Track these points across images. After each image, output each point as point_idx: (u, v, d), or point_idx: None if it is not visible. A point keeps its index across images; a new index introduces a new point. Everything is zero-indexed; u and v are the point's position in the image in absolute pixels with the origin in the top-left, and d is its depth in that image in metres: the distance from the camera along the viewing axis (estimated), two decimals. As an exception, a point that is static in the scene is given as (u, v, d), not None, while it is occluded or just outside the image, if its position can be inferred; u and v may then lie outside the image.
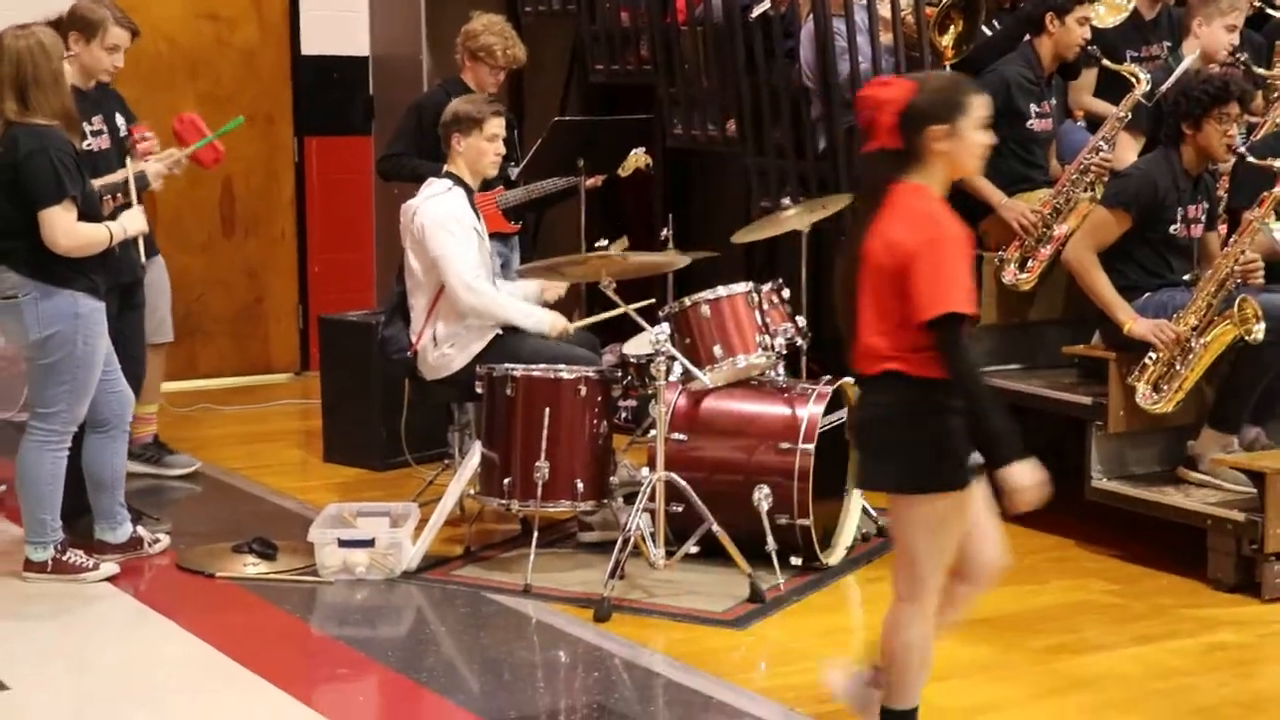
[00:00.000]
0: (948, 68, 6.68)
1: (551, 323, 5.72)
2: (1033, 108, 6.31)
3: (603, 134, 6.83)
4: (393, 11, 9.06)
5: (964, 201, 6.30)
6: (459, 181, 5.73)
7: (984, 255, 6.31)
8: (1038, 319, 6.40)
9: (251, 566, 5.50)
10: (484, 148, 5.72)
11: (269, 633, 5.06)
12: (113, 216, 5.43)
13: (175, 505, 6.45)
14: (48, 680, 4.63)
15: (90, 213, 5.26)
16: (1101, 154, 6.15)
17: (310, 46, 9.07)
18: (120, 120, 6.20)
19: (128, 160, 5.83)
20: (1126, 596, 5.34)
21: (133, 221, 5.41)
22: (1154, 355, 5.65)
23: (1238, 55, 6.38)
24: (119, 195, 5.51)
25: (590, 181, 6.68)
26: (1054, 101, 6.42)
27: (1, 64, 5.16)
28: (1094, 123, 6.60)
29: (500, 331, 5.69)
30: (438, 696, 4.46)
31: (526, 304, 5.75)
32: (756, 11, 7.08)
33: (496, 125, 5.74)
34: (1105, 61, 6.31)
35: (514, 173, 6.76)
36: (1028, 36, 6.41)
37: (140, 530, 5.68)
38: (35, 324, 5.21)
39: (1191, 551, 5.52)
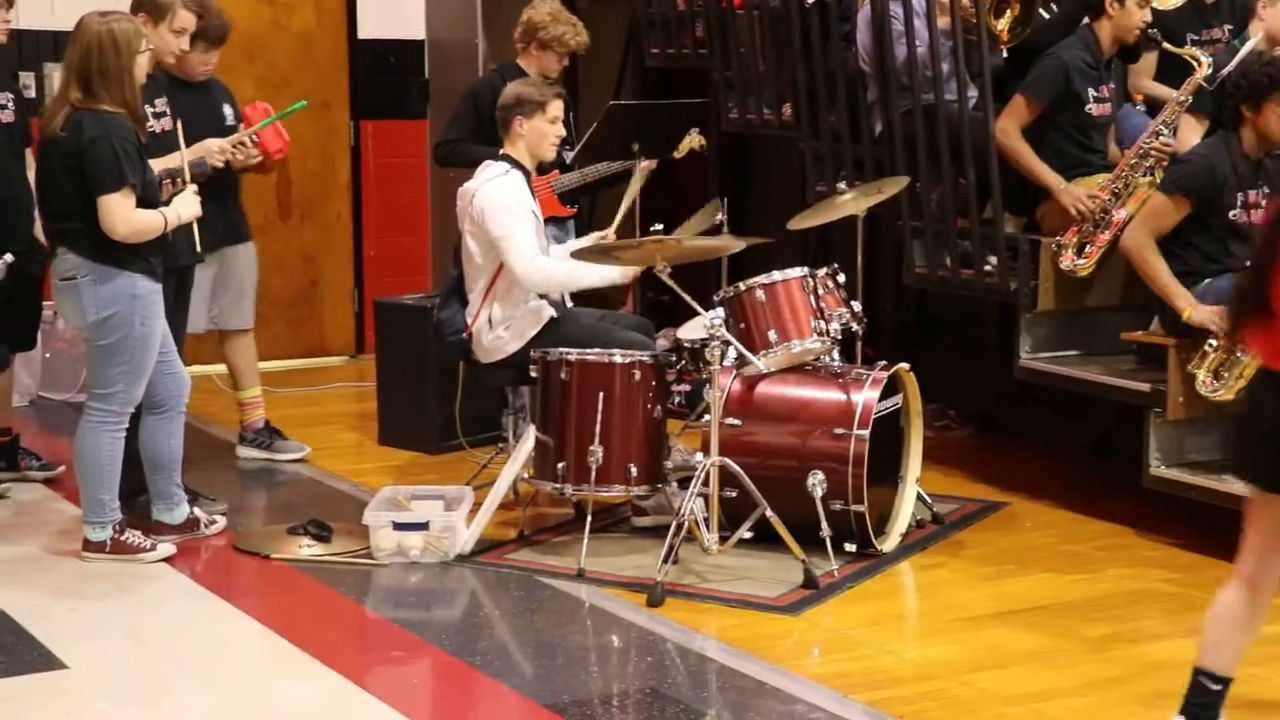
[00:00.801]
0: (1004, 52, 6.64)
1: (622, 271, 5.68)
2: (1091, 92, 6.24)
3: (658, 118, 6.81)
4: (448, -5, 9.08)
5: (1023, 183, 6.30)
6: (516, 164, 5.73)
7: (1041, 240, 6.27)
8: (1095, 305, 6.34)
9: (307, 548, 5.53)
10: (545, 130, 5.72)
11: (323, 614, 5.09)
12: (169, 202, 5.47)
13: (231, 487, 6.49)
14: (105, 659, 4.67)
15: (149, 199, 5.29)
16: (1161, 138, 6.08)
17: (366, 31, 9.10)
18: (228, 110, 6.27)
19: (184, 146, 5.88)
20: (1185, 585, 5.29)
21: (187, 207, 5.44)
22: (1214, 342, 5.59)
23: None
24: (178, 180, 5.54)
25: (644, 165, 6.66)
26: (1113, 85, 6.35)
27: (73, 50, 5.21)
28: (1154, 107, 6.53)
29: (555, 315, 5.70)
30: (491, 680, 4.48)
31: (586, 264, 5.68)
32: (814, -3, 7.05)
33: (557, 108, 5.75)
34: (1165, 45, 6.23)
35: (569, 156, 6.76)
36: (1086, 19, 6.35)
37: (197, 511, 5.72)
38: (93, 305, 5.25)
39: (1251, 540, 5.46)
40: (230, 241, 6.62)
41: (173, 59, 5.99)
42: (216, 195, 6.25)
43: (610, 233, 6.12)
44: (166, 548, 5.46)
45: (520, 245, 5.56)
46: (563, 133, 5.85)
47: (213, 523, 5.74)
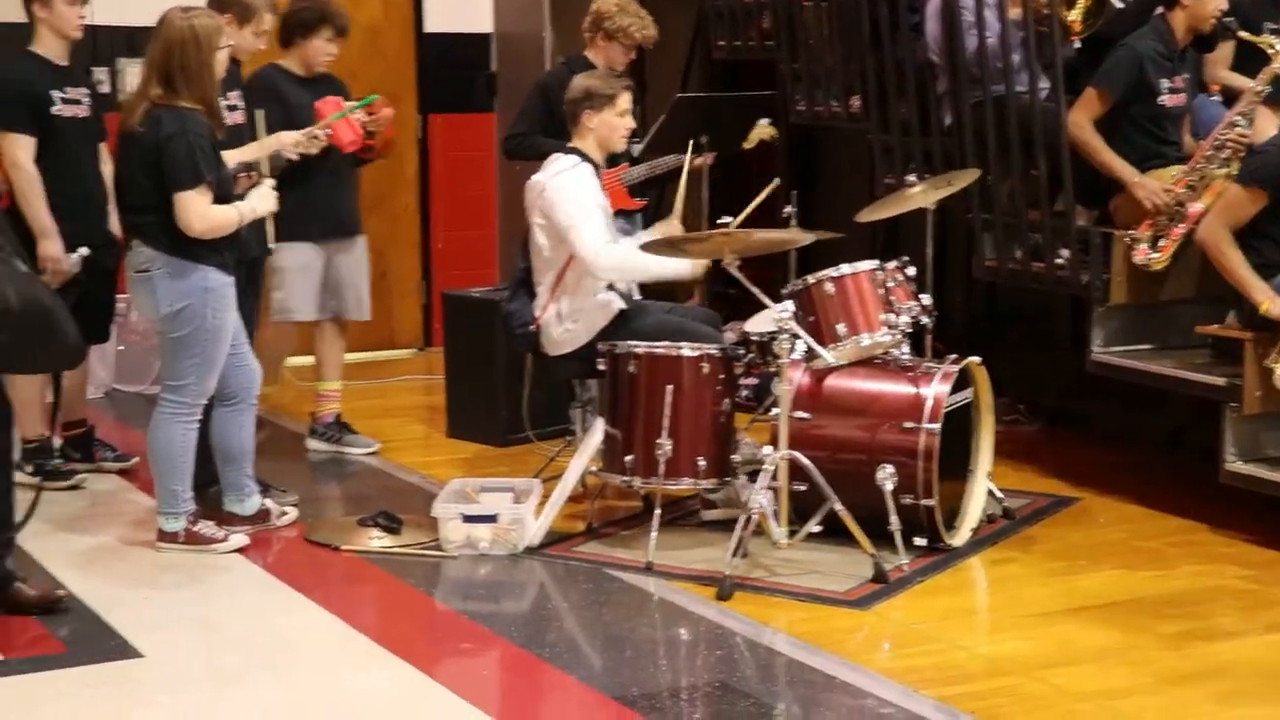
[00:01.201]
0: (1076, 43, 6.57)
1: (693, 263, 5.68)
2: (1165, 83, 6.17)
3: (725, 110, 6.79)
4: (515, -12, 9.10)
5: (1095, 176, 6.24)
6: (584, 158, 5.73)
7: (1114, 234, 6.21)
8: (1170, 298, 6.27)
9: (376, 540, 5.56)
10: (615, 123, 5.73)
11: (393, 606, 5.12)
12: (244, 196, 5.51)
13: (302, 478, 6.53)
14: (179, 648, 4.72)
15: (224, 195, 5.34)
16: (1238, 129, 6.01)
17: (433, 24, 9.13)
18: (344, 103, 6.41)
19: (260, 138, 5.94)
20: (1261, 582, 5.23)
21: (262, 201, 5.49)
22: (1291, 336, 5.53)
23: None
24: (254, 173, 5.59)
25: (698, 161, 6.65)
26: (1187, 76, 6.28)
27: (155, 45, 5.26)
28: (1230, 97, 6.45)
29: (624, 308, 5.70)
30: (560, 672, 4.48)
31: (656, 256, 5.69)
32: (882, -11, 7.01)
33: (627, 101, 5.76)
34: (1242, 33, 6.15)
35: (637, 149, 6.75)
36: (1160, 9, 6.27)
37: (268, 503, 5.76)
38: (167, 298, 5.30)
39: (1328, 537, 5.41)
40: (339, 234, 6.69)
41: (247, 57, 6.08)
42: (324, 189, 6.40)
43: (674, 221, 6.11)
44: (239, 538, 5.51)
45: (589, 233, 5.57)
46: (632, 125, 5.85)
47: (284, 514, 5.78)
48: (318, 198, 6.53)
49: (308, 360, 7.25)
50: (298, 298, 6.66)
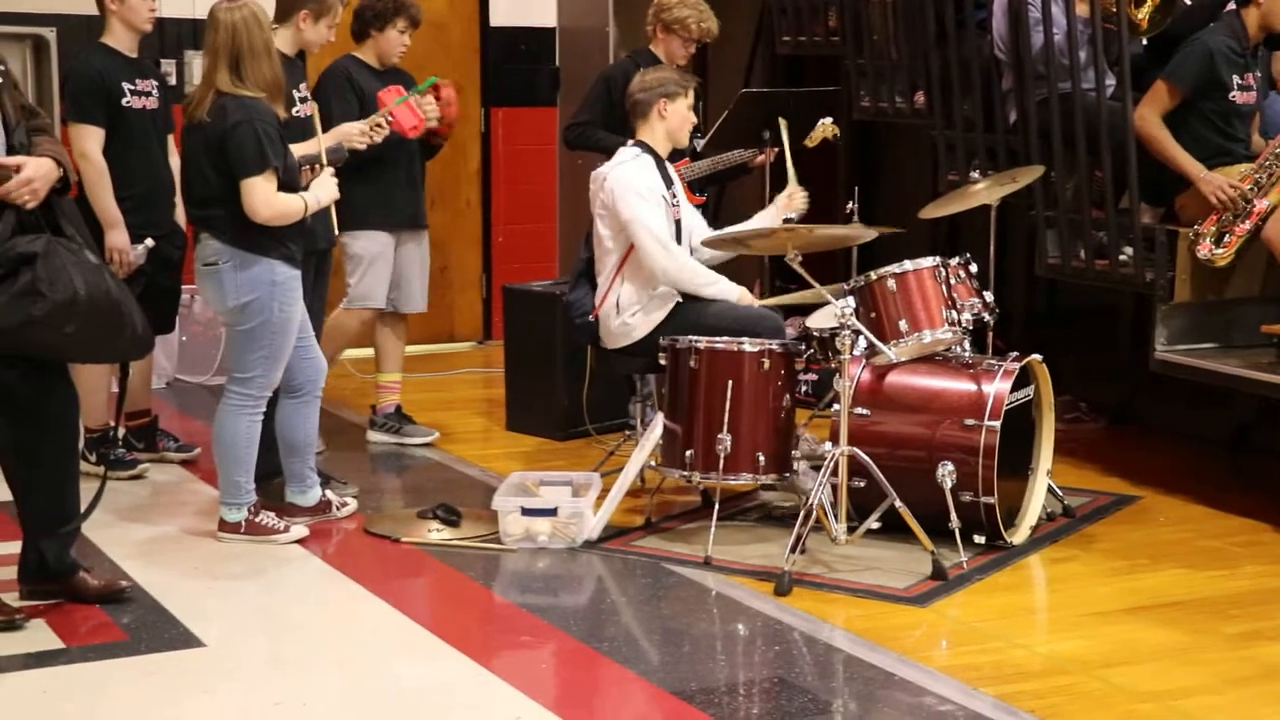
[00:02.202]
0: (1144, 41, 6.52)
1: (740, 295, 5.71)
2: (1235, 79, 6.12)
3: (789, 106, 6.78)
4: (579, -17, 9.12)
5: (1161, 174, 6.19)
6: (648, 149, 5.75)
7: (1179, 231, 6.16)
8: (1234, 296, 6.21)
9: (436, 533, 5.59)
10: (687, 115, 5.78)
11: (452, 598, 5.14)
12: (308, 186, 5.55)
13: (362, 470, 6.58)
14: (242, 638, 4.76)
15: (290, 183, 5.37)
16: (1308, 128, 5.95)
17: (498, 18, 9.17)
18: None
19: (320, 132, 5.97)
20: (1325, 584, 5.18)
21: (326, 191, 5.52)
22: (1358, 335, 5.47)
23: None
24: (317, 165, 5.63)
25: (760, 159, 6.64)
26: (1258, 74, 6.22)
27: (217, 35, 5.30)
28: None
29: (681, 299, 5.70)
30: (618, 666, 4.49)
31: (712, 273, 5.74)
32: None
33: (692, 95, 5.82)
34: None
35: (699, 144, 6.75)
36: (1233, 5, 6.21)
37: (329, 494, 5.80)
38: (234, 290, 5.35)
39: (1395, 539, 5.34)
40: (408, 226, 6.74)
41: (318, 50, 6.13)
42: (400, 182, 6.47)
43: (793, 187, 6.09)
44: (300, 530, 5.55)
45: (650, 226, 5.59)
46: (694, 119, 5.87)
47: (344, 505, 5.82)
48: (394, 190, 6.60)
49: (367, 353, 7.29)
50: (374, 284, 6.71)
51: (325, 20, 6.03)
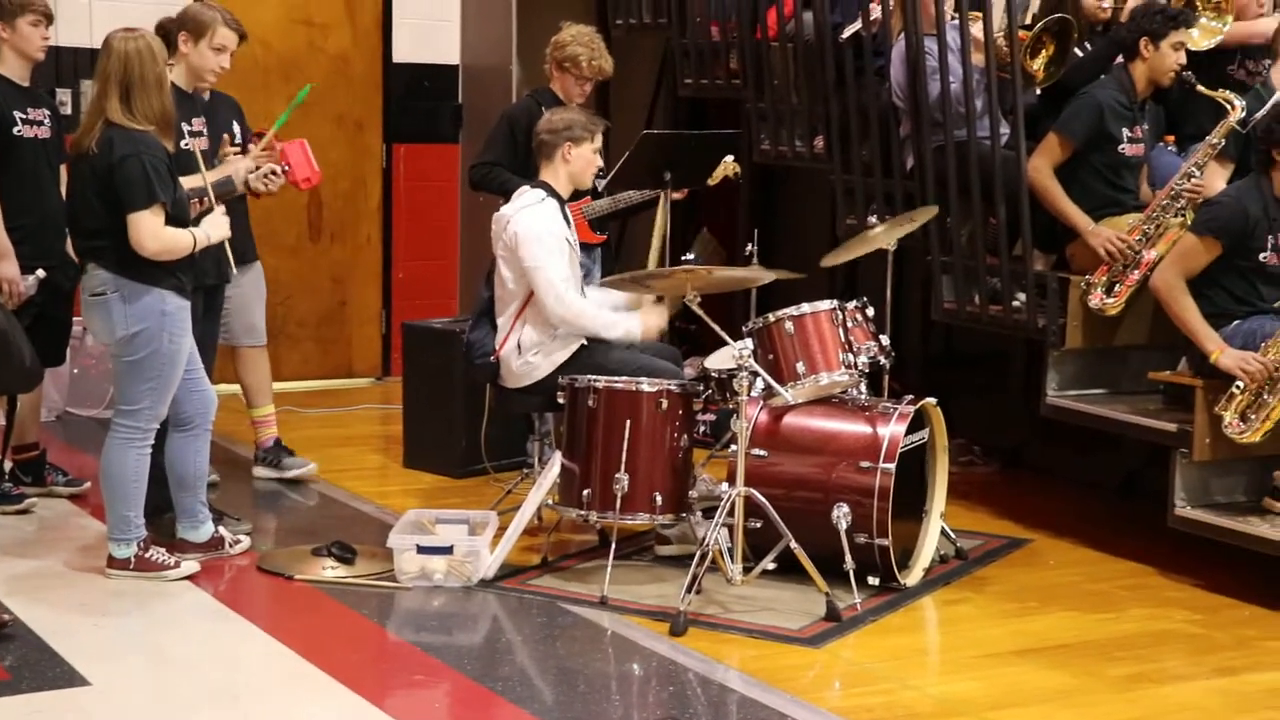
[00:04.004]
0: (1038, 90, 6.64)
1: (644, 329, 5.72)
2: (1125, 132, 6.25)
3: (690, 147, 6.83)
4: (484, 21, 9.12)
5: (1053, 222, 6.30)
6: (551, 192, 5.76)
7: (1070, 278, 6.26)
8: (1123, 344, 6.34)
9: (330, 570, 5.54)
10: (591, 158, 5.79)
11: (346, 636, 5.10)
12: (198, 220, 5.49)
13: (256, 507, 6.51)
14: (128, 676, 4.68)
15: (179, 217, 5.32)
16: (1193, 180, 6.09)
17: (401, 54, 9.15)
18: (237, 128, 6.29)
19: (215, 164, 5.91)
20: (1209, 627, 5.27)
21: (215, 228, 5.46)
22: (1241, 384, 5.58)
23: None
24: (206, 198, 5.57)
25: (676, 195, 6.68)
26: (1146, 126, 6.36)
27: (109, 62, 5.25)
28: (1185, 143, 6.56)
29: (585, 342, 5.71)
30: (512, 706, 4.47)
31: (613, 315, 5.74)
32: (848, 32, 7.06)
33: (600, 138, 5.83)
34: (1200, 87, 6.24)
35: (600, 184, 6.77)
36: (1121, 60, 6.35)
37: (222, 530, 5.74)
38: (123, 321, 5.28)
39: (1276, 583, 5.45)
40: (237, 262, 6.62)
41: (214, 77, 6.03)
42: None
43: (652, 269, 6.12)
44: (190, 566, 5.48)
45: (550, 276, 5.59)
46: (601, 163, 5.89)
47: (237, 542, 5.75)
48: None
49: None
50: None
51: (206, 41, 5.89)
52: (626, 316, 5.75)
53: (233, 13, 6.16)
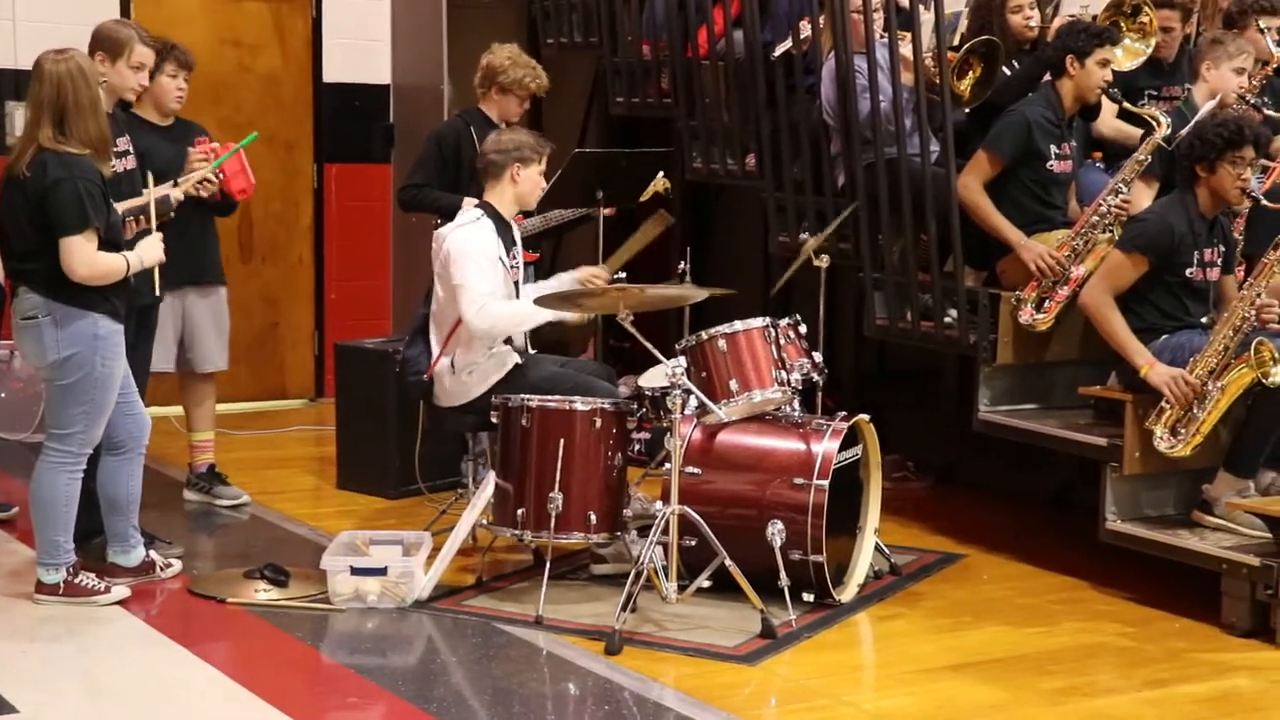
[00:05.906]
0: (966, 110, 6.70)
1: (582, 277, 5.75)
2: (1053, 149, 6.32)
3: (622, 166, 6.85)
4: (414, 41, 9.11)
5: (984, 239, 6.36)
6: (491, 212, 5.75)
7: (1001, 294, 6.32)
8: (1054, 359, 6.39)
9: (263, 593, 5.50)
10: (539, 180, 5.80)
11: (279, 660, 5.06)
12: (134, 242, 5.44)
13: (188, 530, 6.45)
14: (57, 703, 4.62)
15: (113, 241, 5.28)
16: (1120, 196, 6.16)
17: (332, 74, 9.12)
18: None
19: (150, 185, 5.86)
20: (1139, 640, 5.32)
21: (150, 251, 5.41)
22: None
23: (1254, 99, 6.39)
24: (141, 219, 5.53)
25: (606, 211, 6.70)
26: (1074, 143, 6.43)
27: (42, 88, 5.19)
28: (1111, 158, 6.63)
29: (519, 361, 5.70)
30: (447, 727, 4.46)
31: (531, 305, 5.62)
32: (779, 51, 7.10)
33: (545, 161, 5.84)
34: (1125, 104, 6.32)
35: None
36: (1048, 78, 6.42)
37: (153, 554, 5.68)
38: (54, 345, 5.23)
39: (1206, 595, 5.50)
40: (193, 282, 6.59)
41: (133, 95, 5.97)
42: (185, 236, 6.25)
43: (599, 270, 6.10)
44: (121, 591, 5.42)
45: (472, 294, 5.57)
46: (545, 185, 5.91)
47: (168, 566, 5.70)
48: (170, 245, 6.32)
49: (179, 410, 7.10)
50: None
51: (123, 60, 5.81)
52: (549, 283, 5.71)
53: (155, 33, 6.09)
